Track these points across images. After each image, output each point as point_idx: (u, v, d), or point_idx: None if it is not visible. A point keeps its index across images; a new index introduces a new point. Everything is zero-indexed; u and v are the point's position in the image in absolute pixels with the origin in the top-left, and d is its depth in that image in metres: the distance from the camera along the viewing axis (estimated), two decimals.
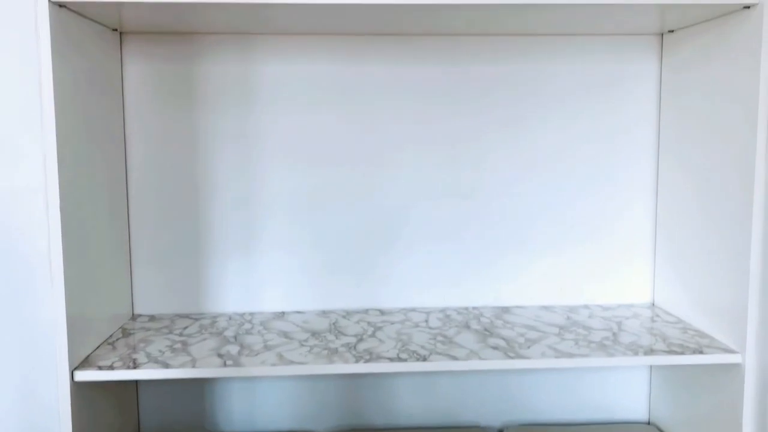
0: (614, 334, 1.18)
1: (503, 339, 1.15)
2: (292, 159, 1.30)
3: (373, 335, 1.17)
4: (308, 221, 1.32)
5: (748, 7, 1.04)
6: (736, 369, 1.08)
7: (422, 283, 1.35)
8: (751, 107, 1.04)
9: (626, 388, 1.40)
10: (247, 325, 1.24)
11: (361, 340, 1.15)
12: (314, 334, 1.19)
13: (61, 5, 0.98)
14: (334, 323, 1.25)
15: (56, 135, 0.98)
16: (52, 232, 0.99)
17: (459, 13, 1.07)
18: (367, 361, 1.04)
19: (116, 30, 1.23)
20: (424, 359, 1.05)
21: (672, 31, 1.27)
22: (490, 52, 1.30)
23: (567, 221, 1.35)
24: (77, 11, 1.04)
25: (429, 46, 1.30)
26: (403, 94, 1.30)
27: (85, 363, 1.05)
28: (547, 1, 1.00)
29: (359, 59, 1.29)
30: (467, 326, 1.22)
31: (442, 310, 1.33)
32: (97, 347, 1.12)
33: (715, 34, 1.13)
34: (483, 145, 1.32)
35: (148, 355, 1.08)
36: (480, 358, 1.06)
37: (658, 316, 1.29)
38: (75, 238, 1.03)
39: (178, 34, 1.26)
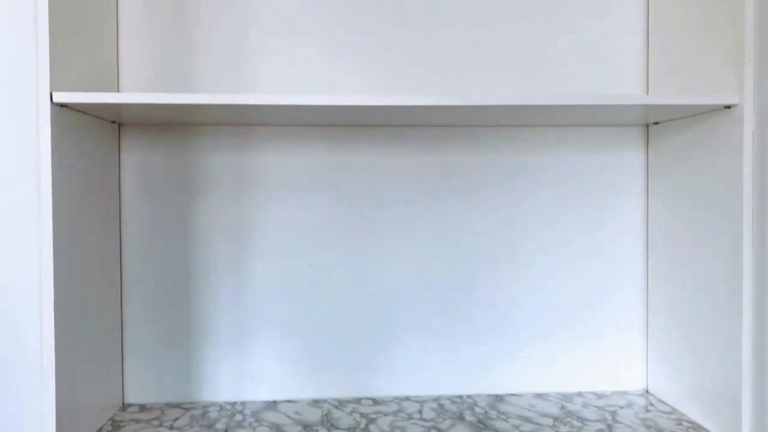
0: (609, 425, 1.17)
1: None
2: (286, 246, 1.31)
3: (366, 429, 1.16)
4: (300, 309, 1.32)
5: (729, 107, 1.08)
6: None
7: (415, 371, 1.34)
8: (736, 197, 1.06)
9: None
10: (239, 417, 1.22)
11: None
12: (306, 426, 1.17)
13: (62, 105, 1.01)
14: (326, 414, 1.23)
15: (53, 231, 0.98)
16: (45, 326, 0.99)
17: (449, 112, 1.10)
18: None
19: (115, 122, 1.25)
20: None
21: (657, 123, 1.31)
22: (482, 141, 1.33)
23: (558, 306, 1.36)
24: (78, 109, 1.06)
25: (422, 136, 1.32)
26: (396, 183, 1.33)
27: None
28: (538, 102, 1.04)
29: (353, 148, 1.32)
30: (461, 418, 1.21)
31: (436, 399, 1.32)
32: None
33: (699, 128, 1.17)
34: (475, 231, 1.34)
35: None
36: None
37: (652, 405, 1.28)
38: (67, 330, 1.03)
39: (175, 125, 1.29)
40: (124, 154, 1.28)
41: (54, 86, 0.98)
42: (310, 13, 1.29)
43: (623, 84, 1.34)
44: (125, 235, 1.29)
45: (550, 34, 1.33)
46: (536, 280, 1.35)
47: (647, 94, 1.33)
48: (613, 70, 1.33)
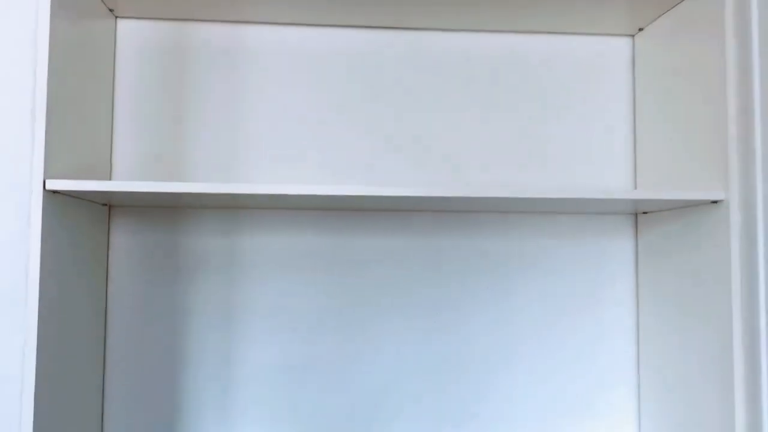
0: None
1: None
2: (274, 331, 1.30)
3: None
4: (288, 396, 1.29)
5: (716, 202, 1.09)
6: None
7: None
8: (725, 290, 1.07)
9: None
10: None
11: None
12: None
13: (54, 192, 1.01)
14: None
15: (38, 322, 0.97)
16: (24, 410, 0.96)
17: (439, 202, 1.11)
18: None
19: (105, 204, 1.25)
20: None
21: (646, 212, 1.33)
22: (474, 227, 1.34)
23: (550, 395, 1.34)
24: (69, 195, 1.07)
25: (413, 221, 1.33)
26: (387, 268, 1.32)
27: None
28: (529, 195, 1.05)
29: (344, 232, 1.32)
30: None
31: None
32: None
33: (687, 220, 1.18)
34: (467, 318, 1.33)
35: None
36: None
37: None
38: (48, 414, 1.00)
39: (165, 208, 1.29)
40: (114, 235, 1.28)
41: (47, 173, 0.99)
42: (301, 104, 1.32)
43: (612, 175, 1.36)
44: (111, 318, 1.27)
45: (542, 126, 1.35)
46: (530, 367, 1.34)
47: (635, 184, 1.35)
48: (603, 162, 1.36)
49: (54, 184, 0.99)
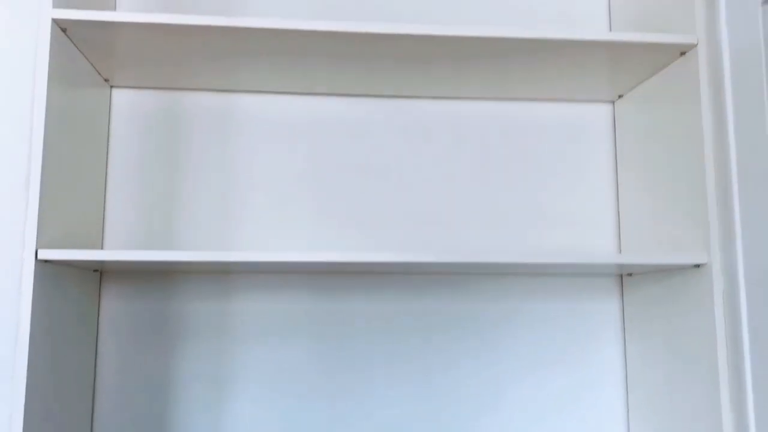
0: None
1: None
2: (264, 395, 1.29)
3: None
4: None
5: (699, 266, 1.11)
6: None
7: None
8: (711, 355, 1.08)
9: None
10: None
11: None
12: None
13: (46, 261, 1.02)
14: None
15: (26, 391, 0.96)
16: None
17: (429, 266, 1.13)
18: None
19: (96, 271, 1.26)
20: None
21: (630, 274, 1.35)
22: (464, 289, 1.35)
23: None
24: (61, 263, 1.07)
25: (404, 284, 1.34)
26: (378, 330, 1.33)
27: None
28: (516, 260, 1.07)
29: (335, 295, 1.33)
30: None
31: None
32: None
33: (672, 282, 1.20)
34: (457, 379, 1.33)
35: None
36: None
37: None
38: None
39: (156, 273, 1.30)
40: (104, 300, 1.28)
41: (40, 243, 1.00)
42: (293, 170, 1.34)
43: (597, 236, 1.38)
44: (100, 384, 1.26)
45: (528, 190, 1.38)
46: (518, 427, 1.33)
47: (620, 245, 1.38)
48: (587, 224, 1.38)
49: (46, 254, 1.00)
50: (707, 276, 1.10)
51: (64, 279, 1.11)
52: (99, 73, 1.26)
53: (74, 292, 1.16)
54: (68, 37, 1.09)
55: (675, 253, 1.15)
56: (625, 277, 1.38)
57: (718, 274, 1.09)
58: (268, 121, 1.35)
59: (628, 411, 1.35)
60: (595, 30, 1.40)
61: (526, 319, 1.36)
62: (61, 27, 1.06)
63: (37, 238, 0.99)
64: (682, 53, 1.16)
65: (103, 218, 1.29)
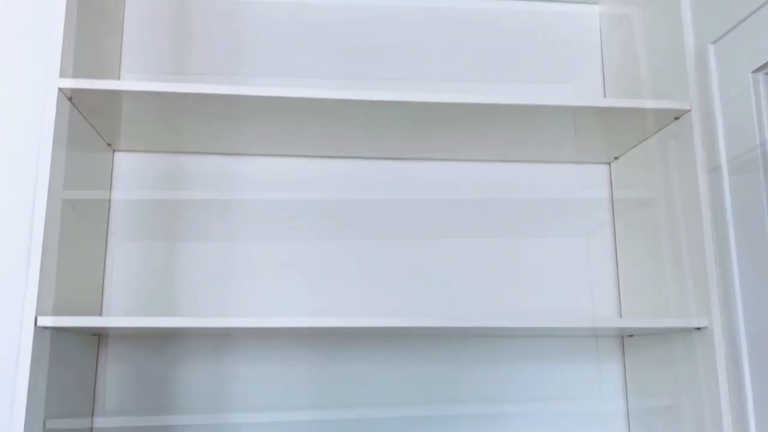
0: None
1: None
2: None
3: None
4: None
5: (699, 329, 1.11)
6: None
7: None
8: (715, 417, 1.07)
9: None
10: None
11: None
12: None
13: (45, 327, 1.01)
14: None
15: None
16: None
17: (429, 330, 1.13)
18: None
19: (95, 334, 1.25)
20: None
21: (631, 335, 1.34)
22: (465, 350, 1.34)
23: None
24: (60, 327, 1.07)
25: (402, 345, 1.33)
26: (376, 393, 1.31)
27: None
28: (518, 324, 1.07)
29: (336, 357, 1.31)
30: None
31: None
32: None
33: (673, 344, 1.19)
34: None
35: None
36: None
37: None
38: None
39: (155, 336, 1.29)
40: (102, 363, 1.27)
41: (39, 309, 0.99)
42: (292, 233, 1.35)
43: (598, 298, 1.38)
44: None
45: (529, 253, 1.39)
46: None
47: (620, 307, 1.37)
48: (588, 286, 1.38)
49: (45, 321, 0.99)
50: (709, 338, 1.09)
51: (63, 343, 1.10)
52: (102, 138, 1.28)
53: (73, 356, 1.15)
54: (73, 104, 1.11)
55: (676, 317, 1.14)
56: (626, 338, 1.37)
57: (720, 336, 1.08)
58: (268, 183, 1.36)
59: None
60: (591, 96, 1.43)
61: (529, 380, 1.35)
62: (67, 96, 1.08)
63: (37, 304, 0.99)
64: (676, 118, 1.18)
65: (103, 281, 1.29)
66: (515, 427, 1.33)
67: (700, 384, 1.11)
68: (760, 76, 1.01)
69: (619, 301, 1.38)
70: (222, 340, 1.30)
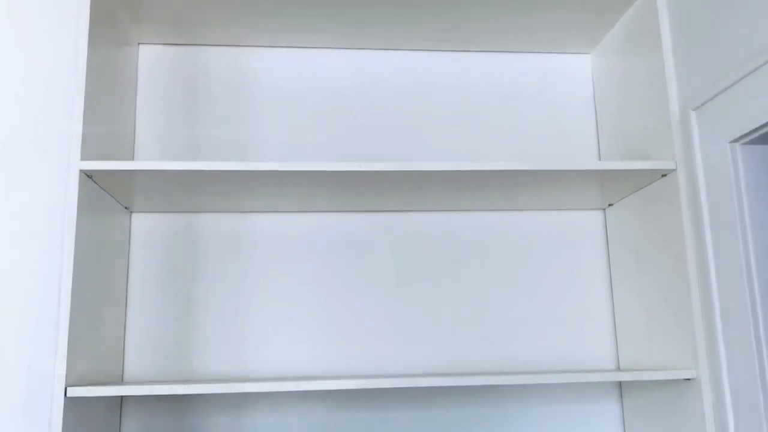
0: None
1: None
2: None
3: None
4: None
5: (689, 380, 1.17)
6: None
7: None
8: None
9: None
10: None
11: None
12: None
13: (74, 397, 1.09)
14: None
15: None
16: None
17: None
18: None
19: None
20: None
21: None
22: (467, 394, 1.40)
23: None
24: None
25: (410, 393, 1.40)
26: None
27: None
28: (519, 382, 1.13)
29: (347, 408, 1.38)
30: None
31: None
32: None
33: (665, 392, 1.25)
34: None
35: None
36: None
37: None
38: None
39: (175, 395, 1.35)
40: (125, 423, 1.34)
41: (68, 380, 1.07)
42: (302, 288, 1.42)
43: (595, 342, 1.44)
44: None
45: (528, 300, 1.45)
46: None
47: (617, 349, 1.43)
48: (585, 331, 1.45)
49: (74, 392, 1.07)
50: (697, 389, 1.15)
51: (89, 407, 1.17)
52: (119, 203, 1.35)
53: (98, 417, 1.22)
54: (94, 181, 1.19)
55: (667, 370, 1.19)
56: (624, 383, 1.43)
57: (707, 387, 1.14)
58: (277, 239, 1.43)
59: None
60: (586, 159, 1.49)
61: (532, 423, 1.41)
62: (87, 174, 1.15)
63: (66, 376, 1.06)
64: (663, 175, 1.24)
65: (124, 341, 1.36)
66: None
67: (690, 429, 1.17)
68: (738, 146, 1.07)
69: (616, 345, 1.44)
70: (238, 396, 1.37)
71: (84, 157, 1.14)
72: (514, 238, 1.48)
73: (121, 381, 1.35)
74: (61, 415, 1.05)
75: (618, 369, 1.42)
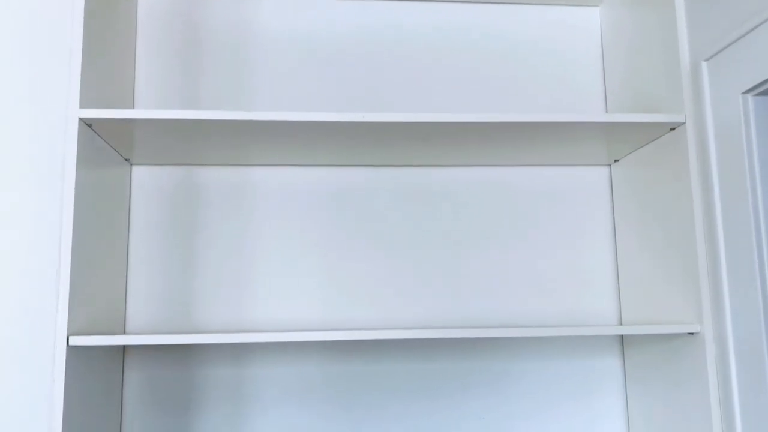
0: None
1: None
2: None
3: None
4: None
5: (693, 334, 1.17)
6: None
7: None
8: (706, 418, 1.13)
9: None
10: None
11: None
12: None
13: (76, 346, 1.09)
14: None
15: None
16: None
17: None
18: None
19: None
20: None
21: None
22: (468, 349, 1.41)
23: None
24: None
25: (409, 346, 1.40)
26: (387, 391, 1.39)
27: None
28: (525, 335, 1.13)
29: (345, 359, 1.39)
30: None
31: None
32: None
33: (667, 346, 1.25)
34: None
35: None
36: None
37: None
38: None
39: (175, 347, 1.36)
40: (127, 372, 1.34)
41: (70, 330, 1.07)
42: (304, 240, 1.41)
43: (598, 297, 1.44)
44: None
45: (532, 256, 1.44)
46: None
47: (620, 303, 1.43)
48: (589, 287, 1.44)
49: (77, 341, 1.06)
50: (701, 343, 1.15)
51: (92, 357, 1.17)
52: (120, 154, 1.33)
53: (101, 367, 1.22)
54: (93, 130, 1.17)
55: (670, 324, 1.19)
56: (626, 337, 1.43)
57: (711, 341, 1.14)
58: (279, 192, 1.42)
59: None
60: (593, 111, 1.47)
61: (532, 377, 1.41)
62: (87, 123, 1.14)
63: (68, 325, 1.06)
64: (672, 129, 1.22)
65: (126, 292, 1.36)
66: (517, 421, 1.40)
67: (693, 383, 1.17)
68: (750, 97, 1.04)
69: (619, 299, 1.44)
70: (239, 348, 1.37)
71: (83, 105, 1.12)
72: (519, 194, 1.46)
73: (123, 332, 1.35)
74: (64, 364, 1.05)
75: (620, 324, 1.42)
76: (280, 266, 1.40)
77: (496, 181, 1.46)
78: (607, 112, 1.49)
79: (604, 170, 1.48)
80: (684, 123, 1.19)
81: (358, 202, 1.43)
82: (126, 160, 1.37)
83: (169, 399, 1.35)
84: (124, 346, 1.35)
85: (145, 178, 1.40)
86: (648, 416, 1.34)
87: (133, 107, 1.40)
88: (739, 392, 1.09)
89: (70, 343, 1.06)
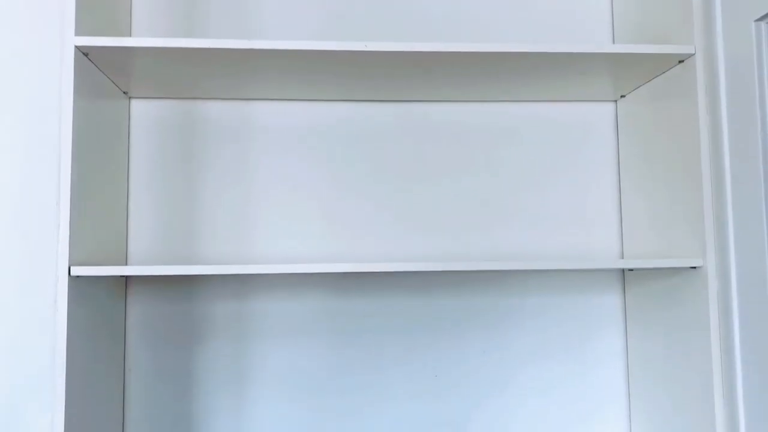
0: None
1: None
2: (284, 391, 1.36)
3: None
4: None
5: (695, 268, 1.17)
6: None
7: None
8: (705, 352, 1.14)
9: None
10: None
11: None
12: None
13: (78, 276, 1.09)
14: None
15: (65, 392, 1.04)
16: None
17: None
18: None
19: (122, 276, 1.33)
20: None
21: (632, 270, 1.40)
22: (469, 286, 1.41)
23: None
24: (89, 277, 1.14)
25: (412, 282, 1.40)
26: (388, 327, 1.39)
27: None
28: (525, 267, 1.12)
29: (348, 295, 1.39)
30: None
31: None
32: None
33: (669, 281, 1.25)
34: (464, 374, 1.40)
35: None
36: None
37: None
38: None
39: (177, 277, 1.36)
40: (130, 304, 1.35)
41: (72, 260, 1.07)
42: (306, 175, 1.40)
43: (600, 233, 1.43)
44: (129, 383, 1.34)
45: (535, 191, 1.43)
46: (523, 415, 1.40)
47: (621, 239, 1.42)
48: (592, 222, 1.43)
49: (78, 271, 1.07)
50: (703, 278, 1.15)
51: (94, 288, 1.18)
52: (118, 87, 1.31)
53: (103, 299, 1.23)
54: (90, 59, 1.15)
55: (673, 258, 1.19)
56: (626, 272, 1.43)
57: (713, 276, 1.14)
58: (281, 127, 1.40)
59: (629, 399, 1.42)
60: (599, 42, 1.43)
61: (531, 314, 1.42)
62: (83, 52, 1.11)
63: (69, 255, 1.06)
64: (680, 61, 1.19)
65: (127, 225, 1.36)
66: (517, 358, 1.41)
67: (694, 319, 1.18)
68: (763, 25, 1.02)
69: (621, 235, 1.43)
70: (242, 280, 1.38)
71: (79, 33, 1.09)
72: (522, 130, 1.44)
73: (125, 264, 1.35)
74: (66, 294, 1.06)
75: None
76: (283, 201, 1.39)
77: (501, 118, 1.44)
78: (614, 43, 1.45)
79: (611, 106, 1.46)
80: (693, 54, 1.16)
81: (362, 138, 1.41)
82: (124, 93, 1.35)
83: (171, 333, 1.36)
84: (126, 280, 1.35)
85: (144, 112, 1.38)
86: (647, 357, 1.34)
87: (131, 36, 1.37)
88: (740, 327, 1.10)
89: (72, 273, 1.06)
